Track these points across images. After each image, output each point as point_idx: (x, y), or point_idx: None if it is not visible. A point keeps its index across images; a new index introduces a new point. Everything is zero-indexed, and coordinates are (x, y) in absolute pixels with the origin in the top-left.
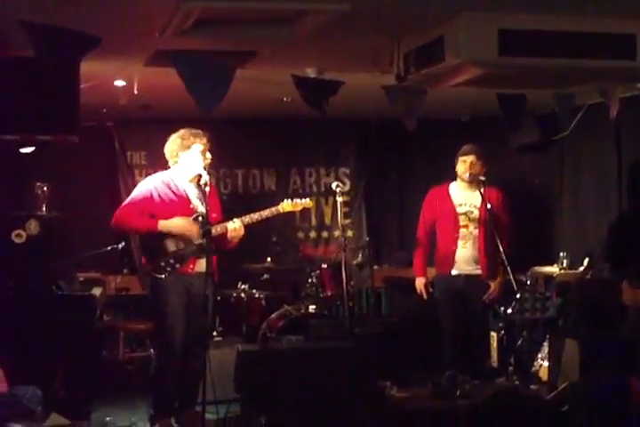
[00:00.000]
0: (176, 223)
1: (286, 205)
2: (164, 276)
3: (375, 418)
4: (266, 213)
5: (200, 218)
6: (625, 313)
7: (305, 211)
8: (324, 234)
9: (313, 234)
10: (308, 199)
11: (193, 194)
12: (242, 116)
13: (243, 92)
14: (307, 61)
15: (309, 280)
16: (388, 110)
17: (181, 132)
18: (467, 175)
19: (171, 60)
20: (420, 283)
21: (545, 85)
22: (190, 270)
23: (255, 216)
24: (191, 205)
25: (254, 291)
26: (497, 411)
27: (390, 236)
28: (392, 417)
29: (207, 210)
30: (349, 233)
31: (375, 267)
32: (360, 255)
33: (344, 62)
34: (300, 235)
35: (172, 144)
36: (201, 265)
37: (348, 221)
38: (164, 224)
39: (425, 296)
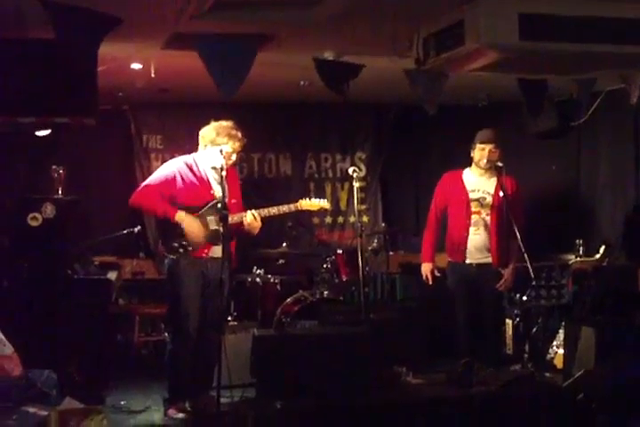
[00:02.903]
0: (190, 224)
1: (304, 204)
2: (175, 257)
3: (390, 404)
4: (284, 208)
5: (218, 204)
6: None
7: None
8: (340, 219)
9: (328, 219)
10: (325, 200)
11: (214, 179)
12: (259, 100)
13: (260, 76)
14: (325, 45)
15: (324, 266)
16: (404, 95)
17: (223, 125)
18: (484, 162)
19: (192, 43)
20: (426, 269)
21: (565, 71)
22: (204, 255)
23: (273, 210)
24: (211, 191)
25: (269, 276)
26: (512, 398)
27: (406, 222)
28: (407, 403)
29: (226, 196)
30: (365, 218)
31: (391, 253)
32: (375, 241)
33: (363, 46)
34: (316, 220)
35: (208, 132)
36: (215, 250)
37: (363, 206)
38: (181, 218)
39: (430, 282)
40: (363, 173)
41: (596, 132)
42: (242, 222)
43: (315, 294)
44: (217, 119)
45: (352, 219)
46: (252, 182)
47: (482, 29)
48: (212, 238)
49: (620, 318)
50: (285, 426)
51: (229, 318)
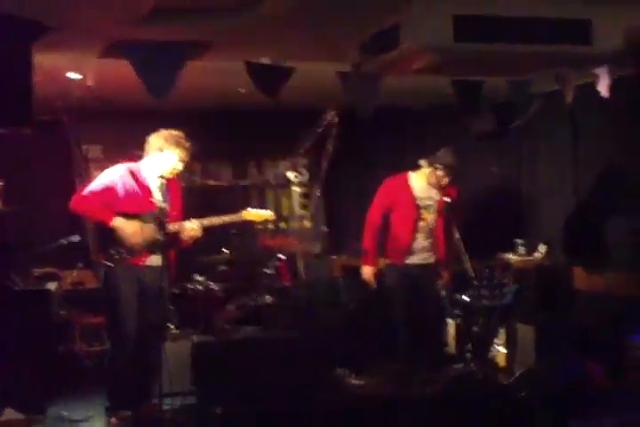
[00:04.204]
0: (126, 230)
1: (247, 214)
2: (112, 264)
3: (331, 406)
4: (226, 219)
5: (159, 213)
6: (577, 299)
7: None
8: (282, 225)
9: (271, 225)
10: (268, 211)
11: (157, 188)
12: (200, 108)
13: (200, 84)
14: (262, 51)
15: (267, 271)
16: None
17: (172, 134)
18: (438, 184)
19: (123, 50)
20: (368, 272)
21: (501, 72)
22: (141, 263)
23: (215, 220)
24: (152, 199)
25: (211, 283)
26: (453, 398)
27: (349, 226)
28: (348, 405)
29: (167, 205)
30: (308, 224)
31: (334, 257)
32: (318, 246)
33: (300, 51)
34: (259, 226)
35: (157, 139)
36: (153, 259)
37: (306, 211)
38: (117, 223)
39: (373, 285)
40: (305, 179)
41: (537, 134)
42: (180, 231)
43: (256, 299)
44: (159, 128)
45: (294, 225)
46: (194, 191)
47: (417, 31)
48: (151, 247)
49: (557, 317)
50: None
51: (171, 326)
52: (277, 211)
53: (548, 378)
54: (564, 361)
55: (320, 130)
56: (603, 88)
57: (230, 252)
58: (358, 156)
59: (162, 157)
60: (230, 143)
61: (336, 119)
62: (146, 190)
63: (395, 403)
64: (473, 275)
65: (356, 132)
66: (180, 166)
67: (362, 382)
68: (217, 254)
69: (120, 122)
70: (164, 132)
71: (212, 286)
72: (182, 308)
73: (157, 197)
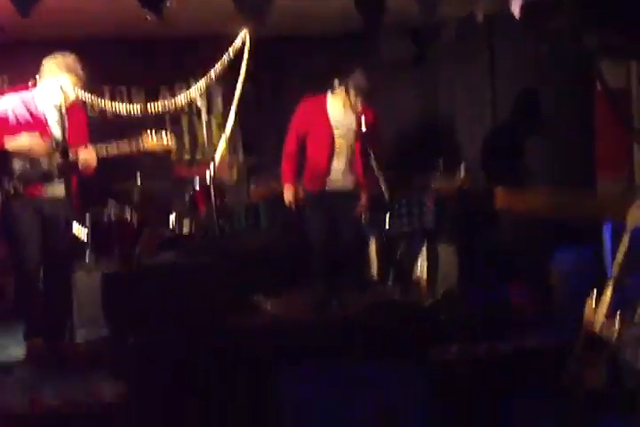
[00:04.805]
0: (23, 140)
1: (146, 142)
2: (7, 198)
3: (248, 333)
4: (125, 147)
5: (55, 144)
6: (499, 219)
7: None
8: (198, 155)
9: (187, 156)
10: (168, 138)
11: (52, 117)
12: (110, 35)
13: (110, 11)
14: None
15: (183, 200)
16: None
17: (65, 58)
18: (350, 105)
19: None
20: (289, 191)
21: None
22: (39, 194)
23: (111, 148)
24: (47, 128)
25: (126, 213)
26: (373, 321)
27: (268, 153)
28: (265, 331)
29: (66, 134)
30: (224, 152)
31: (253, 185)
32: (236, 174)
33: None
34: (173, 156)
35: (47, 63)
36: (52, 189)
37: (222, 138)
38: (11, 142)
39: (294, 206)
40: (219, 107)
41: (453, 61)
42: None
43: (173, 229)
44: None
45: (211, 153)
46: (103, 119)
47: None
48: (48, 175)
49: (480, 238)
50: (140, 362)
51: (86, 257)
52: (193, 139)
53: (468, 301)
54: (486, 284)
55: (232, 52)
56: (515, 9)
57: (143, 183)
58: (273, 83)
59: (55, 84)
60: (144, 70)
61: (247, 39)
62: (39, 120)
63: (311, 328)
64: (389, 199)
65: (270, 59)
66: (74, 93)
67: (279, 309)
68: (132, 184)
69: (25, 52)
70: (55, 56)
71: (127, 216)
72: (97, 238)
73: (54, 126)
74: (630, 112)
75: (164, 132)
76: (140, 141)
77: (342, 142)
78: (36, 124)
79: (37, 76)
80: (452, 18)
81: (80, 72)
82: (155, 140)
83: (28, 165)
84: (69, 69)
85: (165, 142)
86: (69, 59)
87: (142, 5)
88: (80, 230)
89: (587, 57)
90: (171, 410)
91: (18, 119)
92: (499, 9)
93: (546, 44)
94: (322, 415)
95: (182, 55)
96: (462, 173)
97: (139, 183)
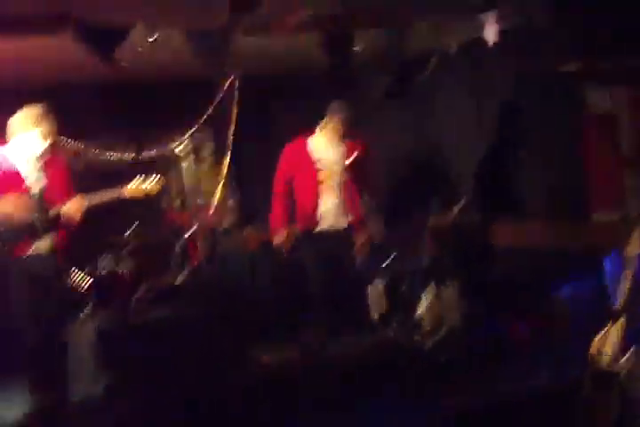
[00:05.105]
0: (3, 204)
1: (130, 191)
2: None
3: (246, 386)
4: (107, 195)
5: (36, 198)
6: (495, 254)
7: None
8: (188, 200)
9: (177, 202)
10: (151, 184)
11: (30, 172)
12: (87, 82)
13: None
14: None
15: (175, 251)
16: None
17: (29, 111)
18: (334, 137)
19: None
20: (279, 235)
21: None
22: (25, 253)
23: (95, 199)
24: (25, 185)
25: (117, 266)
26: (370, 367)
27: (260, 196)
28: (263, 384)
29: (44, 189)
30: (216, 197)
31: (246, 229)
32: (228, 219)
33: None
34: (163, 204)
35: (17, 119)
36: (39, 246)
37: (212, 186)
38: None
39: (285, 250)
40: (209, 151)
41: (437, 93)
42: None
43: (167, 280)
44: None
45: (201, 199)
46: (89, 169)
47: None
48: (31, 231)
49: (478, 275)
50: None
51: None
52: (180, 186)
53: (469, 339)
54: (487, 320)
55: (220, 96)
56: (490, 35)
57: (135, 233)
58: (266, 126)
59: (28, 136)
60: (129, 119)
61: (237, 83)
62: (15, 177)
63: (306, 378)
64: (380, 240)
65: (259, 101)
66: (47, 143)
67: (276, 360)
68: (122, 235)
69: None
70: (24, 111)
71: (118, 268)
72: (93, 291)
73: (31, 181)
74: (619, 139)
75: (147, 178)
76: (125, 191)
77: (330, 183)
78: (12, 182)
79: (6, 134)
80: (428, 50)
81: (51, 123)
82: (137, 187)
83: (11, 225)
84: (39, 122)
85: (148, 188)
86: (37, 111)
87: (95, 54)
88: (83, 278)
89: (572, 83)
90: None
91: None
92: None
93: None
94: None
95: (165, 103)
96: (457, 208)
97: (130, 234)
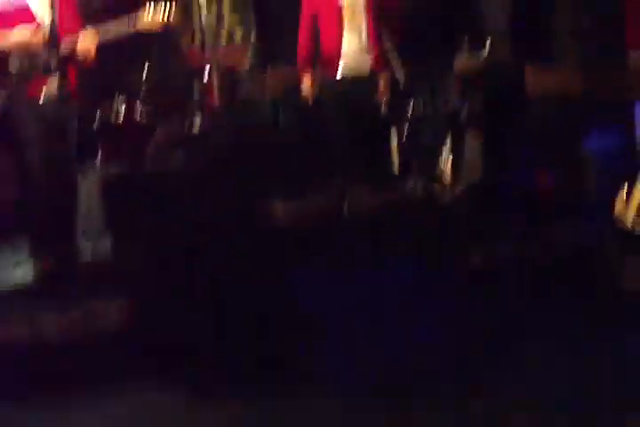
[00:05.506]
0: (17, 35)
1: (144, 22)
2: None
3: (260, 236)
4: (121, 28)
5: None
6: (528, 103)
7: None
8: (209, 38)
9: (197, 40)
10: (170, 14)
11: (41, 4)
12: None
13: None
14: None
15: (193, 95)
16: None
17: None
18: None
19: None
20: (305, 81)
21: None
22: (37, 93)
23: (109, 32)
24: (35, 18)
25: (135, 106)
26: (387, 222)
27: (284, 36)
28: (278, 235)
29: (56, 20)
30: (238, 34)
31: (268, 71)
32: (249, 60)
33: None
34: (183, 41)
35: None
36: (52, 86)
37: (235, 18)
38: (3, 38)
39: (310, 97)
40: None
41: None
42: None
43: (184, 124)
44: None
45: (222, 38)
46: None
47: None
48: (44, 68)
49: (507, 124)
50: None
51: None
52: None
53: (493, 190)
54: (514, 171)
55: None
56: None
57: (151, 74)
58: None
59: None
60: None
61: None
62: (24, 10)
63: (323, 231)
64: (404, 83)
65: None
66: None
67: (294, 209)
68: (139, 74)
69: None
70: None
71: (137, 111)
72: (106, 138)
73: (41, 13)
74: None
75: (163, 5)
76: (138, 22)
77: (353, 20)
78: (23, 18)
79: None
80: None
81: None
82: (152, 16)
83: (25, 56)
84: None
85: (165, 18)
86: None
87: None
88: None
89: None
90: (180, 316)
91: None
92: None
93: None
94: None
95: None
96: (486, 49)
97: (146, 76)
